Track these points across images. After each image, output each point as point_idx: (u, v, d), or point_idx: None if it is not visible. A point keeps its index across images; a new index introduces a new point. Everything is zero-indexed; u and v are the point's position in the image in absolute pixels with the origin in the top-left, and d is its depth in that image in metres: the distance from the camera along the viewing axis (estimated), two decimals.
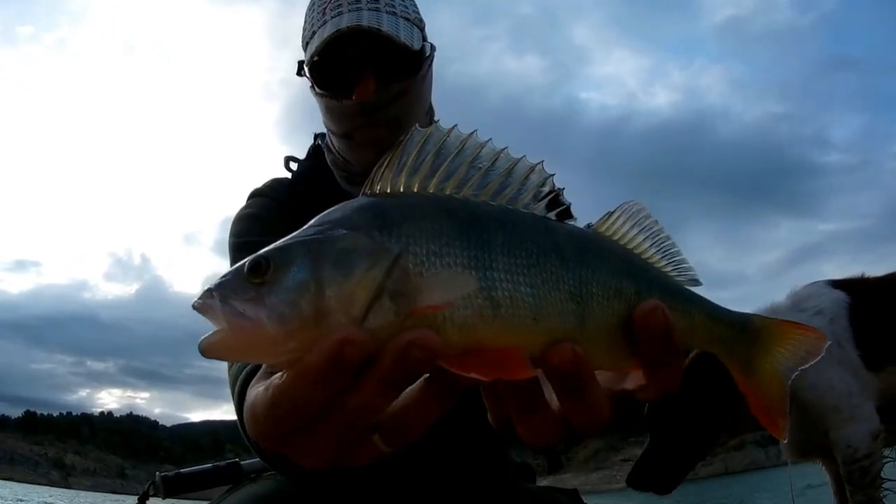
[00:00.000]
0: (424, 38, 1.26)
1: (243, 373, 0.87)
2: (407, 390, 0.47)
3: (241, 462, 1.36)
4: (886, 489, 2.11)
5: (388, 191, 0.51)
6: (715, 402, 2.18)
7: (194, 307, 0.47)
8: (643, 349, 0.52)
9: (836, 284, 2.33)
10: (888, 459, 2.16)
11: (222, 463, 1.39)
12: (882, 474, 2.12)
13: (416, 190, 0.51)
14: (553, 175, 0.55)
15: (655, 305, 0.52)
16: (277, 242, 0.48)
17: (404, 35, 1.16)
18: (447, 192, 0.52)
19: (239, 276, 0.46)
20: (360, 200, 0.51)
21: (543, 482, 1.42)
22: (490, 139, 0.53)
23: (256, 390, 0.50)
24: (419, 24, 1.26)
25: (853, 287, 2.30)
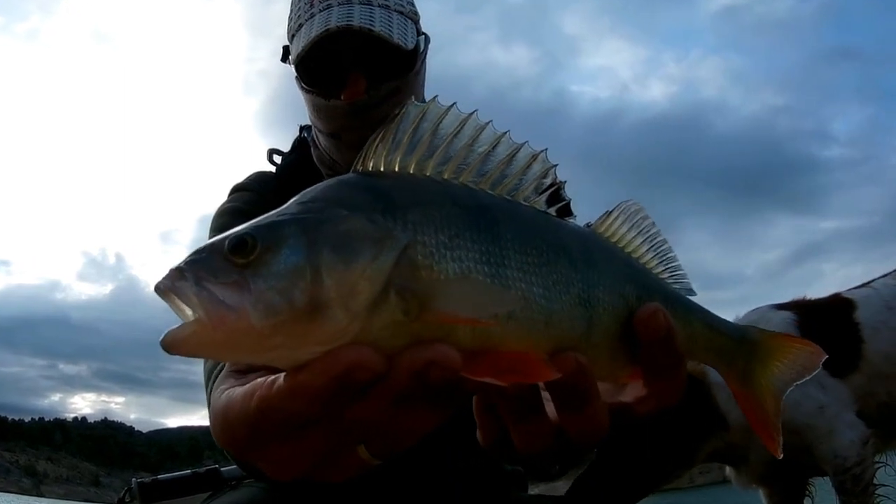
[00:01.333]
0: (419, 32, 1.20)
1: (217, 368, 0.82)
2: None
3: (221, 468, 1.33)
4: (880, 495, 2.12)
5: (382, 169, 0.46)
6: (663, 442, 2.23)
7: (158, 289, 0.40)
8: (644, 355, 0.50)
9: (781, 307, 2.38)
10: (879, 465, 2.18)
11: (202, 469, 1.35)
12: (874, 480, 2.12)
13: (411, 170, 0.46)
14: (556, 166, 0.52)
15: (657, 308, 0.50)
16: (260, 218, 0.42)
17: (398, 34, 1.11)
18: (444, 176, 0.47)
19: (218, 255, 0.39)
20: (353, 178, 0.45)
21: (535, 490, 1.40)
22: (490, 121, 0.49)
23: (231, 394, 0.44)
24: (413, 18, 1.20)
25: (797, 307, 2.36)
